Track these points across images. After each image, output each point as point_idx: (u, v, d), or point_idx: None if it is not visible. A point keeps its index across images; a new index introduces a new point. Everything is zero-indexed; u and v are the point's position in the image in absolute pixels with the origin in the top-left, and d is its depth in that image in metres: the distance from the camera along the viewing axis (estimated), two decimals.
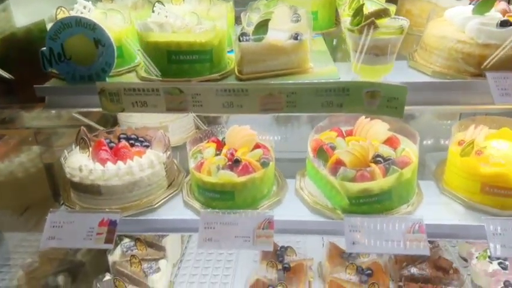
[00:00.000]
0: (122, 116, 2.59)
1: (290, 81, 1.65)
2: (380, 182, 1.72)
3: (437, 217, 1.76)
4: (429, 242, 2.47)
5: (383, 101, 1.59)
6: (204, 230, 1.73)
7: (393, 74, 1.69)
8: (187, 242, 3.01)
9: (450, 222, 1.72)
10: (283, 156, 2.12)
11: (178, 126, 2.54)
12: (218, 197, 1.83)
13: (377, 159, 1.82)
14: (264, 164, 1.87)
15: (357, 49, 1.59)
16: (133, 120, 2.51)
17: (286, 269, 2.43)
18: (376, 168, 1.74)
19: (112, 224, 1.78)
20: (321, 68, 1.78)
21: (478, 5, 1.65)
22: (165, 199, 1.95)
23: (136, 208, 1.88)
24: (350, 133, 2.07)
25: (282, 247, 2.60)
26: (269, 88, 1.65)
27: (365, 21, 1.54)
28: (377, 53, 1.57)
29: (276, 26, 1.75)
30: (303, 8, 1.85)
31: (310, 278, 2.54)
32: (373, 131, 1.99)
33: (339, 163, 1.80)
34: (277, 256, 2.54)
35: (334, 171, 1.78)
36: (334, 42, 2.41)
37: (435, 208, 1.83)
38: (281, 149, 2.12)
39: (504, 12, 1.68)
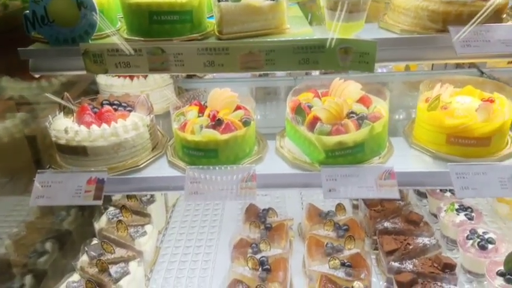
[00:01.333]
0: (104, 87, 2.62)
1: (269, 39, 1.74)
2: (353, 135, 1.83)
3: (407, 167, 1.90)
4: (401, 199, 2.65)
5: (356, 57, 1.70)
6: (190, 185, 1.82)
7: (365, 34, 1.80)
8: (171, 212, 3.10)
9: (418, 170, 1.86)
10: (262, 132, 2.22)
11: (159, 95, 2.60)
12: (202, 155, 1.91)
13: (351, 115, 1.93)
14: (246, 123, 1.96)
15: (332, 7, 1.69)
16: (114, 90, 2.55)
17: (268, 228, 2.55)
18: (350, 123, 1.86)
19: (100, 182, 1.85)
20: (297, 29, 1.87)
21: None
22: (150, 160, 2.01)
23: (122, 168, 1.95)
24: (325, 94, 2.18)
25: (264, 209, 2.72)
26: (249, 46, 1.73)
27: None
28: (352, 9, 1.67)
29: None
30: None
31: (291, 237, 2.68)
32: (347, 91, 2.10)
33: (316, 119, 1.91)
34: (259, 218, 2.66)
35: (311, 127, 1.89)
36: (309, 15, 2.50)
37: (405, 159, 1.96)
38: (260, 125, 2.23)
39: None
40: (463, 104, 1.96)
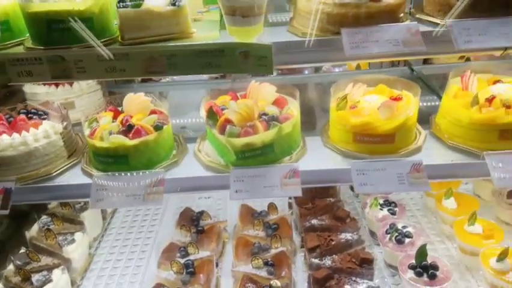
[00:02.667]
0: (30, 95, 2.59)
1: (169, 44, 1.76)
2: (261, 136, 1.87)
3: (316, 165, 1.94)
4: (332, 196, 2.70)
5: (255, 60, 1.74)
6: (96, 192, 1.82)
7: (271, 37, 1.83)
8: (110, 218, 3.08)
9: (321, 168, 1.90)
10: None
11: (86, 101, 2.58)
12: (112, 162, 1.91)
13: (262, 117, 1.97)
14: (157, 128, 1.97)
15: (228, 12, 1.72)
16: (38, 98, 2.52)
17: (200, 231, 2.56)
18: (258, 124, 1.89)
19: (7, 192, 1.84)
20: (204, 34, 1.89)
21: None
22: (64, 168, 2.00)
23: (34, 177, 1.93)
24: (244, 97, 2.21)
25: (198, 212, 2.73)
26: (149, 51, 1.75)
27: None
28: (244, 14, 1.70)
29: None
30: None
31: (225, 238, 2.71)
32: (263, 93, 2.14)
33: (227, 122, 1.94)
34: (192, 221, 2.67)
35: (223, 129, 1.92)
36: None
37: (317, 158, 2.00)
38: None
39: None
40: (370, 103, 2.02)
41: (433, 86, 2.75)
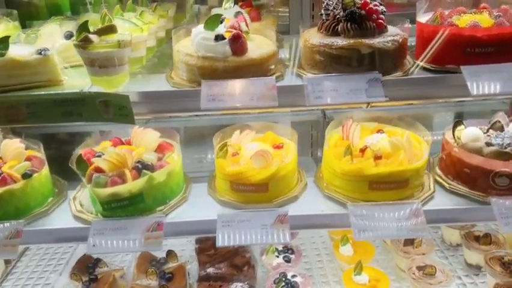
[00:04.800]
0: None
1: (27, 94, 1.73)
2: (128, 186, 1.83)
3: (190, 215, 1.91)
4: None
5: (116, 109, 1.73)
6: None
7: (148, 86, 1.84)
8: (15, 262, 2.93)
9: (190, 219, 1.87)
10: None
11: None
12: None
13: (137, 165, 1.93)
14: (25, 176, 1.91)
15: (87, 63, 1.72)
16: None
17: (93, 280, 2.45)
18: (128, 173, 1.86)
19: None
20: (74, 82, 1.89)
21: (206, 22, 1.84)
22: None
23: None
24: (129, 142, 2.18)
25: (95, 259, 2.63)
26: (8, 101, 1.72)
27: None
28: (102, 65, 1.70)
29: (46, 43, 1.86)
30: None
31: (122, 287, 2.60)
32: (146, 139, 2.12)
33: (98, 171, 1.90)
34: (87, 268, 2.56)
35: (91, 178, 1.87)
36: None
37: (195, 208, 1.97)
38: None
39: (234, 27, 1.88)
40: (250, 151, 2.02)
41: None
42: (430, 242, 2.53)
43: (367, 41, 1.75)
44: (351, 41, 1.76)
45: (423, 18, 1.95)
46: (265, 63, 1.83)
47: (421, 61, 1.88)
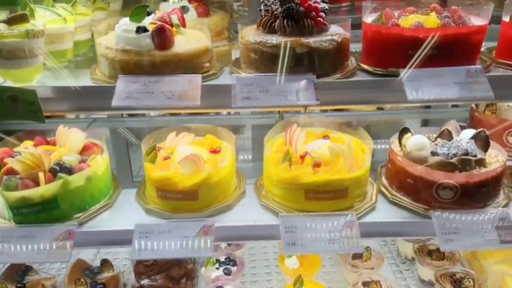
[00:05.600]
0: None
1: None
2: (39, 190, 1.67)
3: (110, 225, 1.75)
4: None
5: (25, 106, 1.57)
6: None
7: (69, 81, 1.68)
8: None
9: (107, 229, 1.71)
10: None
11: None
12: None
13: (54, 167, 1.77)
14: None
15: None
16: None
17: None
18: (42, 176, 1.69)
19: None
20: None
21: (132, 13, 1.69)
22: None
23: None
24: (54, 142, 2.01)
25: (26, 267, 2.45)
26: None
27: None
28: (10, 56, 1.54)
29: None
30: None
31: None
32: (71, 139, 1.96)
33: (11, 172, 1.73)
34: (17, 276, 2.38)
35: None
36: None
37: (118, 216, 1.82)
38: None
39: (163, 20, 1.73)
40: (182, 155, 1.87)
41: None
42: (380, 255, 2.41)
43: (302, 39, 1.62)
44: (286, 39, 1.63)
45: (369, 18, 1.83)
46: (195, 59, 1.68)
47: (364, 64, 1.76)
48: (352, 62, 1.82)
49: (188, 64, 1.66)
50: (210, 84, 1.61)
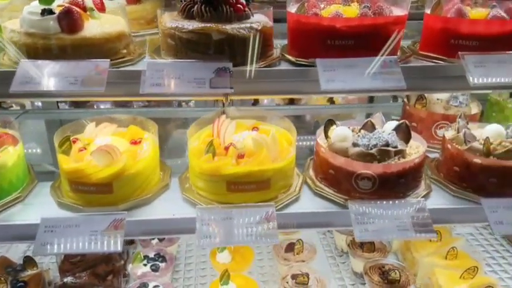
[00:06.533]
0: None
1: None
2: None
3: (17, 218, 1.65)
4: None
5: None
6: None
7: None
8: None
9: (11, 223, 1.61)
10: None
11: None
12: None
13: None
14: None
15: None
16: None
17: None
18: None
19: None
20: None
21: None
22: None
23: None
24: None
25: None
26: None
27: None
28: None
29: None
30: None
31: None
32: None
33: None
34: None
35: None
36: None
37: (28, 210, 1.71)
38: None
39: (76, 3, 1.64)
40: (96, 146, 1.78)
41: None
42: (313, 248, 2.40)
43: (219, 25, 1.57)
44: (202, 24, 1.57)
45: (293, 7, 1.80)
46: (107, 44, 1.61)
47: (289, 54, 1.74)
48: (277, 52, 1.79)
49: (100, 49, 1.59)
50: (121, 70, 1.54)
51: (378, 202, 1.68)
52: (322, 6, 1.81)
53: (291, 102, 5.09)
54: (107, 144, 1.73)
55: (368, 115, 3.62)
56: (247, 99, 4.37)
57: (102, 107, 4.20)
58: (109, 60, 1.52)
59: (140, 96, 1.44)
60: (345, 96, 4.76)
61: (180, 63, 1.54)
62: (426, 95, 2.33)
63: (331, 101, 5.19)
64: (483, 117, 2.56)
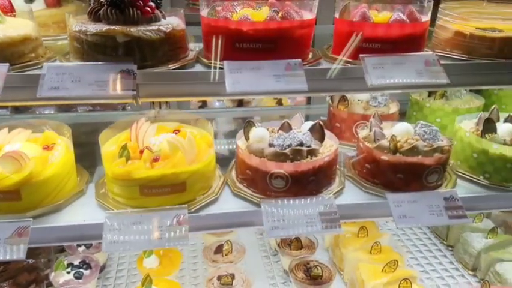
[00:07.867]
0: None
1: None
2: None
3: None
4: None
5: None
6: None
7: None
8: None
9: None
10: None
11: None
12: None
13: None
14: None
15: None
16: None
17: None
18: None
19: None
20: None
21: None
22: None
23: None
24: None
25: None
26: None
27: None
28: None
29: None
30: None
31: None
32: None
33: None
34: None
35: None
36: None
37: None
38: None
39: None
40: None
41: None
42: (242, 248, 2.43)
43: (124, 28, 1.56)
44: (107, 27, 1.56)
45: (204, 11, 1.81)
46: (10, 48, 1.56)
47: (204, 57, 1.75)
48: (193, 54, 1.80)
49: (2, 53, 1.54)
50: (20, 74, 1.50)
51: (289, 200, 1.72)
52: (238, 10, 1.84)
53: (240, 104, 5.14)
54: (15, 150, 1.67)
55: (307, 116, 3.71)
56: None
57: (47, 112, 4.08)
58: (8, 64, 1.47)
59: (38, 100, 1.41)
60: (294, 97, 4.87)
61: (81, 66, 1.52)
62: (348, 96, 2.42)
63: (280, 102, 5.30)
64: (405, 117, 2.69)
